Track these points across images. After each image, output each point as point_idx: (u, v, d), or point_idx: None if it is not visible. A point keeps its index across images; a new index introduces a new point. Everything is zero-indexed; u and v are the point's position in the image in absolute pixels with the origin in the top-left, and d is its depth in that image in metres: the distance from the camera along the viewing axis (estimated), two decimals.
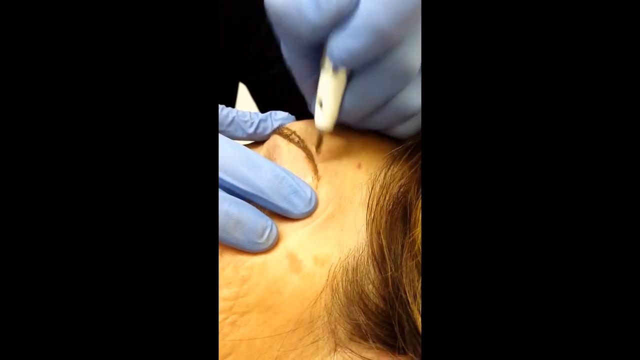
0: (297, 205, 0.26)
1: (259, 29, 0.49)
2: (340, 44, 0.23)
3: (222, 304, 0.24)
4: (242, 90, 0.61)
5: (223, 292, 0.24)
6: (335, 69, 0.25)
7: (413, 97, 0.26)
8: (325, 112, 0.26)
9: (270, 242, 0.25)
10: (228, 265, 0.25)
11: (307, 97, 0.28)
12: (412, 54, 0.24)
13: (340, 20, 0.22)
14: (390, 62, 0.24)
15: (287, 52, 0.26)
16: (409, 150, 0.28)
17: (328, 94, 0.26)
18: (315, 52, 0.25)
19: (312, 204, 0.26)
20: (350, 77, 0.26)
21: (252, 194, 0.25)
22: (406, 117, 0.27)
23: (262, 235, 0.25)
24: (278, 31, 0.25)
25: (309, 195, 0.26)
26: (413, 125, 0.28)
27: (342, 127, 0.29)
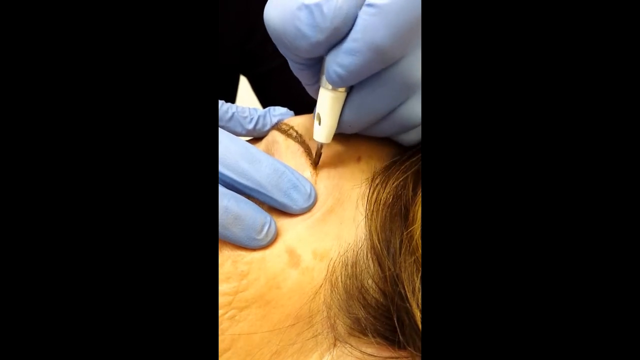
0: (297, 200, 0.26)
1: (260, 22, 0.49)
2: (338, 61, 0.23)
3: (221, 299, 0.24)
4: (243, 84, 0.61)
5: (222, 287, 0.24)
6: (333, 87, 0.25)
7: (416, 108, 0.26)
8: (323, 127, 0.26)
9: (269, 238, 0.25)
10: (227, 260, 0.25)
11: (314, 97, 0.28)
12: (415, 67, 0.24)
13: (338, 36, 0.22)
14: (391, 75, 0.24)
15: (289, 63, 0.26)
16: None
17: (326, 110, 0.26)
18: (317, 62, 0.25)
19: (312, 199, 0.26)
20: (350, 90, 0.25)
21: (252, 188, 0.25)
22: (409, 128, 0.27)
23: (260, 232, 0.25)
24: (278, 47, 0.25)
25: (308, 190, 0.26)
26: (418, 134, 0.28)
27: None
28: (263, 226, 0.25)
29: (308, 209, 0.26)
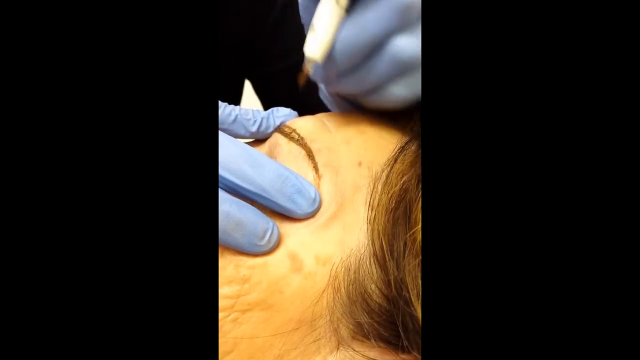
0: (301, 205, 0.26)
1: (265, 24, 0.48)
2: None
3: (223, 302, 0.24)
4: (248, 87, 0.61)
5: (224, 290, 0.24)
6: None
7: (411, 43, 0.25)
8: (317, 39, 0.25)
9: (271, 244, 0.25)
10: (229, 264, 0.25)
11: (310, 17, 0.28)
12: None
13: None
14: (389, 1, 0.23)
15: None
16: (410, 147, 0.27)
17: (324, 20, 0.24)
18: None
19: (316, 204, 0.26)
20: (349, 11, 0.25)
21: (255, 193, 0.25)
22: (401, 69, 0.26)
23: (262, 238, 0.24)
24: None
25: (312, 195, 0.26)
26: (408, 86, 0.26)
27: (341, 124, 0.29)
28: (265, 232, 0.24)
29: (312, 214, 0.26)
